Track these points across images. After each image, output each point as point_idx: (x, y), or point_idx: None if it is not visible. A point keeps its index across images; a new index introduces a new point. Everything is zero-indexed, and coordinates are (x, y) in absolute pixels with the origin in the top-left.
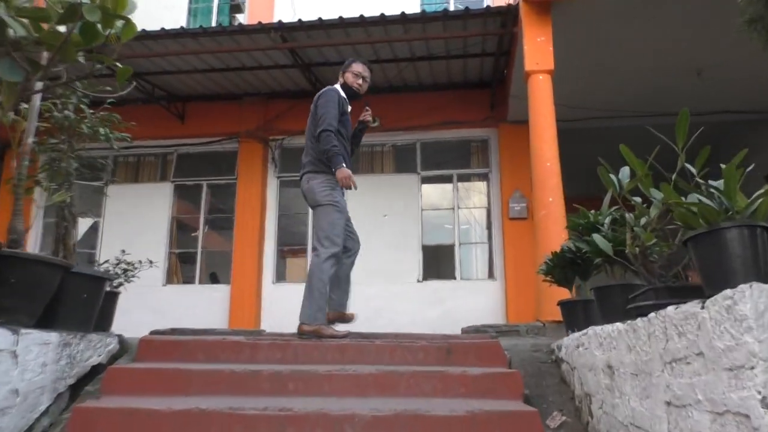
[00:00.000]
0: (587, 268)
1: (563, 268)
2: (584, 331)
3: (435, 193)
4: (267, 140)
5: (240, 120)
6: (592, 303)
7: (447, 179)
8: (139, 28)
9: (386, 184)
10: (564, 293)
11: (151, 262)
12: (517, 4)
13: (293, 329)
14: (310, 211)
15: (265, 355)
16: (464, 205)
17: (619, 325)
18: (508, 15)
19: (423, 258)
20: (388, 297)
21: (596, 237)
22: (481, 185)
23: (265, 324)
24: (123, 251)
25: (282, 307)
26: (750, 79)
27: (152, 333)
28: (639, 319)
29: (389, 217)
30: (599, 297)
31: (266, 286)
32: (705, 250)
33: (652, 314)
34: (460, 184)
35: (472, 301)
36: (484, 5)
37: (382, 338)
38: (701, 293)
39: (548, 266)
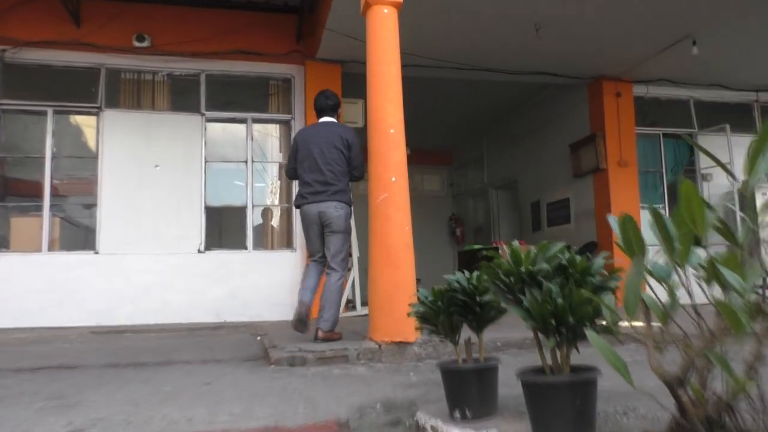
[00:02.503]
0: (485, 316)
1: (449, 314)
2: None
3: (223, 141)
4: None
5: None
6: (490, 372)
7: (240, 122)
8: None
9: (160, 126)
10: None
11: None
12: None
13: (19, 318)
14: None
15: None
16: (260, 159)
17: None
18: None
19: (206, 222)
20: (161, 271)
21: (592, 335)
22: (282, 133)
23: None
24: None
25: (5, 286)
26: (579, 42)
27: None
28: None
29: (162, 169)
30: (534, 395)
31: None
32: None
33: None
34: (255, 131)
35: (265, 277)
36: None
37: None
38: None
39: (428, 309)
